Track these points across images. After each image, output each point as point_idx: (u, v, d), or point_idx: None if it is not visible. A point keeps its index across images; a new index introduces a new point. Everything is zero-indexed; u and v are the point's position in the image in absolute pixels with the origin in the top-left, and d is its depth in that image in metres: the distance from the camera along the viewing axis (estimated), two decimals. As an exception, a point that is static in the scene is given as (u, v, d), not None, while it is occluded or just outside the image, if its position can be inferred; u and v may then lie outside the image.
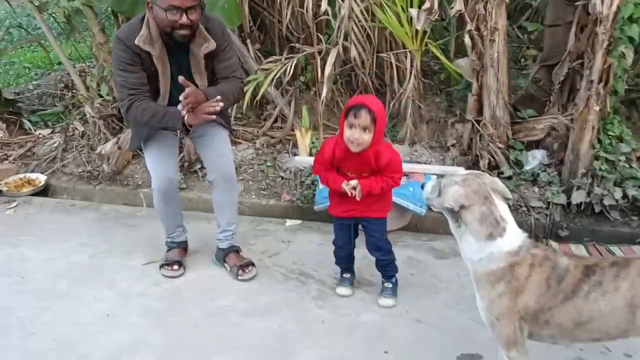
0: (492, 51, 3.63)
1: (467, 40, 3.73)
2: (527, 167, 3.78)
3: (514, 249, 1.84)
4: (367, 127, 2.44)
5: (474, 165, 3.98)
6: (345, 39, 4.19)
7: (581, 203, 3.47)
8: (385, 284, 2.83)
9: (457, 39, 4.60)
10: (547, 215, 3.53)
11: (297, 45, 4.61)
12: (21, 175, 4.46)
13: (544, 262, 1.81)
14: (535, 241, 1.93)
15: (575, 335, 1.80)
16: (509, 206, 1.97)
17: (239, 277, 3.03)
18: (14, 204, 4.11)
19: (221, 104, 2.59)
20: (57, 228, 3.72)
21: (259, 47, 5.21)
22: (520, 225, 3.39)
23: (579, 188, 3.49)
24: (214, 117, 2.60)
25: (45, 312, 2.79)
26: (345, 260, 2.90)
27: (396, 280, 2.84)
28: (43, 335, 2.62)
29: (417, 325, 2.63)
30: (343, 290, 2.90)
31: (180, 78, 2.56)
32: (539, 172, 3.72)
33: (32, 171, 4.59)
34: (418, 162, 4.04)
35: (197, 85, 2.73)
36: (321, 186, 3.68)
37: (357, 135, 2.45)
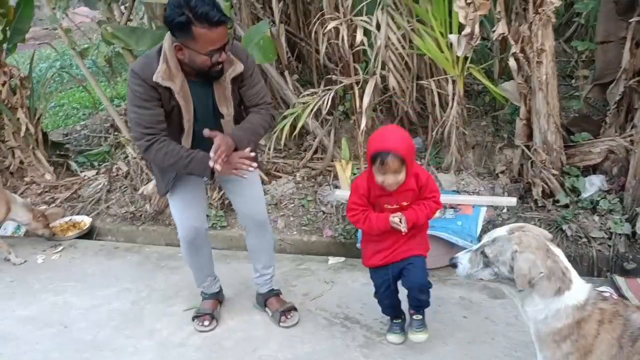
0: (539, 74, 3.43)
1: (512, 63, 3.55)
2: (585, 195, 3.52)
3: (580, 303, 1.66)
4: (398, 169, 2.30)
5: (525, 193, 3.76)
6: (383, 67, 4.08)
7: (648, 232, 3.20)
8: (415, 317, 2.60)
9: (501, 60, 4.42)
10: (609, 246, 3.26)
11: (335, 76, 4.53)
12: (67, 219, 4.51)
13: (614, 318, 1.61)
14: (601, 292, 1.73)
15: None
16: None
17: (281, 324, 2.92)
18: (60, 247, 4.16)
19: (255, 164, 2.47)
20: (100, 273, 3.72)
21: (297, 77, 5.18)
22: (582, 257, 3.22)
23: (644, 216, 3.22)
24: (245, 175, 2.45)
25: (86, 365, 2.75)
26: (391, 308, 2.72)
27: (424, 313, 2.64)
28: (83, 390, 2.57)
29: (473, 376, 2.44)
30: (393, 337, 2.72)
31: (205, 132, 2.39)
32: (599, 199, 3.45)
33: (78, 213, 4.64)
34: (466, 192, 3.85)
35: (222, 116, 2.53)
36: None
37: (390, 181, 2.33)
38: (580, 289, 1.69)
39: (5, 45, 5.05)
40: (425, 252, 2.59)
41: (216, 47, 2.27)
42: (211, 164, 2.32)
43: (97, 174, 5.23)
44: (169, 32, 2.34)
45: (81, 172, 5.34)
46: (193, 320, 3.00)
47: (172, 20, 2.21)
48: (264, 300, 3.05)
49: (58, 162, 5.50)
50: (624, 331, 1.59)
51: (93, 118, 7.26)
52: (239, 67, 2.45)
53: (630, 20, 3.40)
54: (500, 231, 1.79)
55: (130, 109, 2.44)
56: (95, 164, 5.61)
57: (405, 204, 2.45)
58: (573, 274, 1.71)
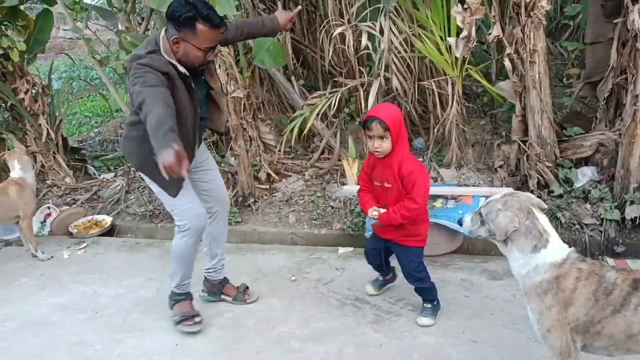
0: (532, 72, 3.68)
1: (507, 63, 3.81)
2: (577, 185, 3.76)
3: (557, 261, 1.91)
4: (382, 135, 2.62)
5: (522, 185, 3.99)
6: (387, 70, 4.34)
7: (635, 218, 3.43)
8: (424, 304, 2.92)
9: (497, 61, 4.67)
10: (601, 232, 3.50)
11: (340, 79, 4.79)
12: (89, 218, 4.76)
13: (590, 276, 1.86)
14: (584, 255, 1.97)
15: (629, 347, 1.82)
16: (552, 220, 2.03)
17: (248, 301, 3.22)
18: (84, 244, 4.39)
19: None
20: (125, 265, 3.95)
21: (303, 82, 5.45)
22: (575, 243, 3.47)
23: (632, 203, 3.45)
24: None
25: (118, 344, 2.98)
26: (375, 265, 3.12)
27: (437, 303, 2.91)
28: (118, 365, 2.80)
29: (474, 345, 2.67)
30: (369, 287, 3.20)
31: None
32: (590, 189, 3.69)
33: (99, 213, 4.89)
34: (466, 185, 4.09)
35: (212, 88, 2.82)
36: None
37: (376, 144, 2.65)
38: (558, 249, 1.94)
39: (26, 55, 5.32)
40: (415, 244, 2.82)
41: (211, 46, 2.53)
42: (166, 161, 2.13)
43: (114, 176, 5.50)
44: (162, 31, 2.54)
45: (99, 175, 5.60)
46: (177, 324, 2.98)
47: (179, 15, 2.42)
48: (221, 288, 3.26)
49: (76, 166, 5.76)
50: (599, 286, 1.83)
51: (106, 125, 7.56)
52: (217, 49, 2.67)
53: (616, 22, 3.64)
54: (496, 196, 2.06)
55: (135, 84, 2.38)
56: (111, 167, 5.88)
57: (387, 185, 2.73)
58: (552, 236, 1.96)
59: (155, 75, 2.40)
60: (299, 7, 3.06)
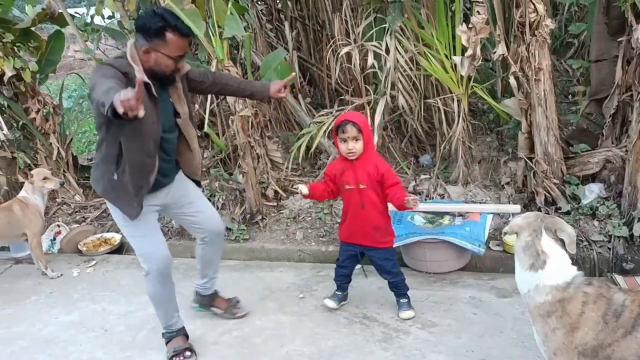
0: (538, 90, 3.71)
1: (512, 81, 3.84)
2: (584, 202, 3.77)
3: (559, 285, 1.92)
4: (356, 136, 2.88)
5: (530, 202, 4.00)
6: (393, 88, 4.39)
7: (644, 234, 3.43)
8: (401, 300, 3.16)
9: (503, 79, 4.71)
10: (609, 248, 3.50)
11: (347, 97, 4.84)
12: (98, 236, 4.80)
13: (598, 299, 1.87)
14: (591, 277, 1.99)
15: None
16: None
17: (237, 316, 3.30)
18: (93, 262, 4.42)
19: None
20: (134, 283, 3.96)
21: (310, 100, 5.51)
22: (583, 260, 3.46)
23: (640, 219, 3.46)
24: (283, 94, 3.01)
25: (129, 362, 3.00)
26: (342, 277, 3.28)
27: (409, 296, 3.17)
28: (127, 384, 2.81)
29: (483, 364, 2.67)
30: (330, 302, 3.28)
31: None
32: (598, 205, 3.70)
33: (108, 231, 4.93)
34: (473, 202, 4.11)
35: (179, 115, 2.74)
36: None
37: (350, 145, 2.90)
38: (558, 273, 1.95)
39: (38, 76, 5.41)
40: (389, 244, 3.14)
41: (181, 54, 2.59)
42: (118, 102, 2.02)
43: (123, 194, 5.53)
44: (131, 42, 2.58)
45: (108, 193, 5.64)
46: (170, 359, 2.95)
47: (148, 27, 2.49)
48: (211, 301, 3.34)
49: (86, 184, 5.80)
50: (608, 309, 1.84)
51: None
52: (186, 67, 2.78)
53: (621, 39, 3.68)
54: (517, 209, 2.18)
55: (92, 80, 2.43)
56: (121, 185, 5.92)
57: (362, 186, 2.96)
58: (552, 259, 1.97)
59: (113, 72, 2.44)
60: (294, 73, 3.32)
